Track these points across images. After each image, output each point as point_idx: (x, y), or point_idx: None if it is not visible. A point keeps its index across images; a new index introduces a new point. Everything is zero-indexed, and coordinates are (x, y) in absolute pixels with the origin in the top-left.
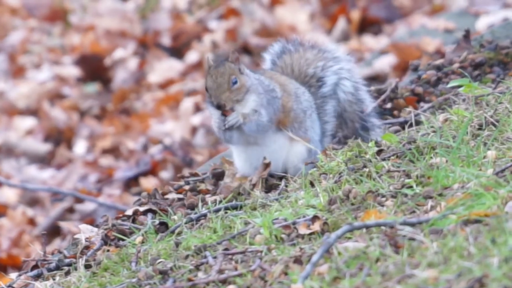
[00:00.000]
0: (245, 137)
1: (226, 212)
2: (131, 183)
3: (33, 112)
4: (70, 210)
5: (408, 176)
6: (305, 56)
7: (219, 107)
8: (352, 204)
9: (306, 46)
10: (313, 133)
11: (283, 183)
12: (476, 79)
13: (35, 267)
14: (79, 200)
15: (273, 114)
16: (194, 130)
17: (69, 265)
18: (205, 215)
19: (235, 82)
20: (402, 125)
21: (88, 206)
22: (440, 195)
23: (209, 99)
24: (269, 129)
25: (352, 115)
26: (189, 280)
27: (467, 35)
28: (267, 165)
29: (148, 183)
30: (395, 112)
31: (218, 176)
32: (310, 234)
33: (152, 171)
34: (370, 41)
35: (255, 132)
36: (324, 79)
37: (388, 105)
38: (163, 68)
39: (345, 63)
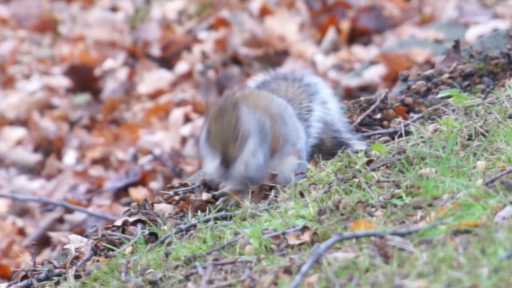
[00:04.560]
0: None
1: (215, 223)
2: (121, 193)
3: (23, 122)
4: (60, 220)
5: (397, 186)
6: (289, 88)
7: (225, 160)
8: (342, 214)
9: (282, 77)
10: (300, 142)
11: (273, 193)
12: (465, 90)
13: (24, 277)
14: (68, 211)
15: (267, 150)
16: (184, 140)
17: (59, 275)
18: (194, 226)
19: (239, 132)
20: (392, 135)
21: (78, 217)
22: (430, 205)
23: (210, 145)
24: (266, 168)
25: (327, 135)
26: None
27: (456, 46)
28: (274, 176)
29: (138, 193)
30: (385, 123)
31: (209, 185)
32: (300, 244)
33: (142, 182)
34: (360, 52)
35: (254, 176)
36: (312, 112)
37: (378, 116)
38: (153, 78)
39: (323, 88)
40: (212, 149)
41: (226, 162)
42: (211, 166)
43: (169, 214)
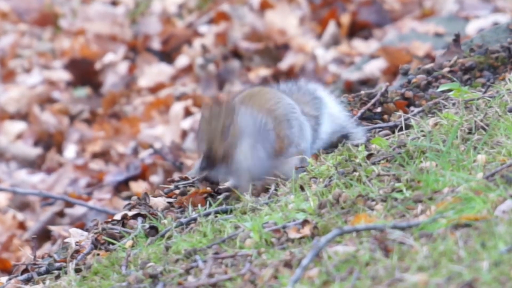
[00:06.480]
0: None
1: (216, 216)
2: (121, 187)
3: (23, 116)
4: (60, 214)
5: (398, 180)
6: (298, 98)
7: (208, 160)
8: (342, 208)
9: (291, 89)
10: (305, 143)
11: (273, 187)
12: (466, 83)
13: (25, 271)
14: (69, 204)
15: (269, 151)
16: (184, 134)
17: (59, 269)
18: (195, 219)
19: (228, 130)
20: (392, 129)
21: (78, 210)
22: (430, 199)
23: (199, 147)
24: (267, 167)
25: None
26: (179, 284)
27: (457, 39)
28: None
29: (138, 187)
30: (385, 116)
31: (210, 178)
32: (300, 238)
33: (142, 175)
34: (360, 45)
35: (251, 174)
36: (321, 123)
37: (378, 109)
38: (153, 72)
39: (328, 99)
40: (199, 149)
41: (210, 160)
42: (196, 164)
43: (165, 207)
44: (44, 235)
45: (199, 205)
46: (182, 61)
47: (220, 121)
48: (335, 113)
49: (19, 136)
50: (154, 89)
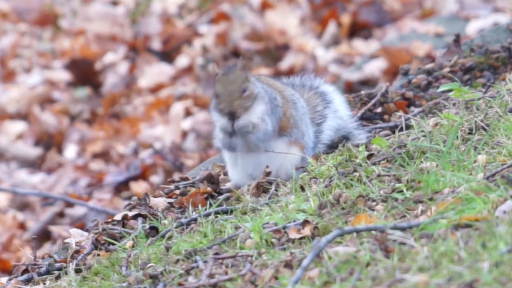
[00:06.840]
0: (249, 144)
1: (216, 217)
2: (121, 187)
3: (23, 116)
4: (61, 214)
5: (398, 180)
6: (305, 94)
7: (230, 114)
8: (343, 208)
9: (297, 84)
10: (308, 139)
11: (273, 187)
12: (466, 84)
13: (25, 271)
14: (69, 205)
15: (275, 123)
16: (184, 134)
17: (60, 269)
18: (195, 220)
19: (245, 90)
20: (393, 129)
21: (78, 211)
22: (431, 199)
23: (218, 106)
24: (273, 137)
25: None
26: (180, 284)
27: (457, 40)
28: (268, 173)
29: (139, 187)
30: (385, 117)
31: (211, 179)
32: (301, 238)
33: (142, 176)
34: (361, 46)
35: (261, 140)
36: (325, 119)
37: (379, 110)
38: (154, 72)
39: (335, 96)
40: (218, 108)
41: (232, 116)
42: (219, 124)
43: (166, 207)
44: (44, 235)
45: (200, 206)
46: (182, 61)
47: (237, 79)
48: (340, 109)
49: (20, 136)
50: (154, 89)
